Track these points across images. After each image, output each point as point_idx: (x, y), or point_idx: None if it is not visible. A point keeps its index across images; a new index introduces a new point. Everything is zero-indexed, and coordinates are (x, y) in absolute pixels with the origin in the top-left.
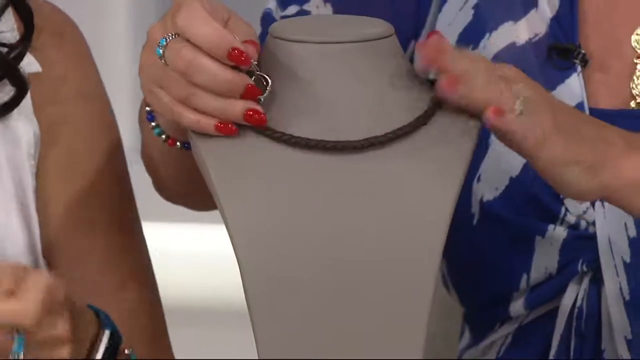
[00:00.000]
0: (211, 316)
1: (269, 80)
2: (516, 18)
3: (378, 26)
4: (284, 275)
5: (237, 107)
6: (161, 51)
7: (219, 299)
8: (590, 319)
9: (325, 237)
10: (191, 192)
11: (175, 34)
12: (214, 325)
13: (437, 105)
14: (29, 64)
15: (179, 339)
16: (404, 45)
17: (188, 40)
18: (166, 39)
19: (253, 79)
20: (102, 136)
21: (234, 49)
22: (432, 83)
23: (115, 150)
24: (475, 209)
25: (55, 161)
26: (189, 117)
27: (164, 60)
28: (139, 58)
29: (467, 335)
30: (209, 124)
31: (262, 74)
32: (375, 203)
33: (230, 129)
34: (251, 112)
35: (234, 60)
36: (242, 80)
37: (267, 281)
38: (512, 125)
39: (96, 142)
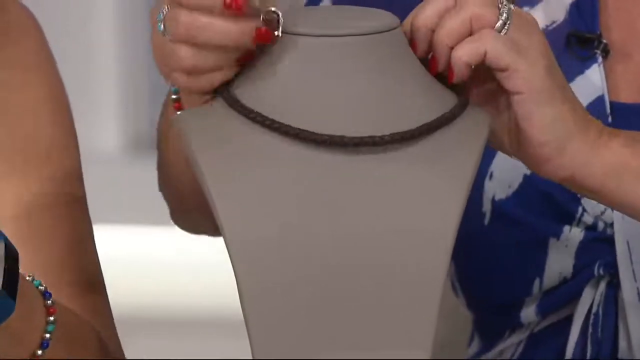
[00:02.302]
0: (204, 324)
1: (279, 13)
2: (533, 2)
3: (383, 18)
4: (281, 282)
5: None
6: (162, 26)
7: (210, 307)
8: (606, 326)
9: (326, 243)
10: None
11: (169, 6)
12: (207, 334)
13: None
14: None
15: (168, 348)
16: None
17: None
18: (162, 13)
19: (262, 18)
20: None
21: None
22: (442, 80)
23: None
24: (486, 208)
25: None
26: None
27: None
28: (126, 59)
29: (476, 341)
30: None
31: (271, 9)
32: (378, 207)
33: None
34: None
35: (230, 7)
36: (249, 26)
37: (264, 288)
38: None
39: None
